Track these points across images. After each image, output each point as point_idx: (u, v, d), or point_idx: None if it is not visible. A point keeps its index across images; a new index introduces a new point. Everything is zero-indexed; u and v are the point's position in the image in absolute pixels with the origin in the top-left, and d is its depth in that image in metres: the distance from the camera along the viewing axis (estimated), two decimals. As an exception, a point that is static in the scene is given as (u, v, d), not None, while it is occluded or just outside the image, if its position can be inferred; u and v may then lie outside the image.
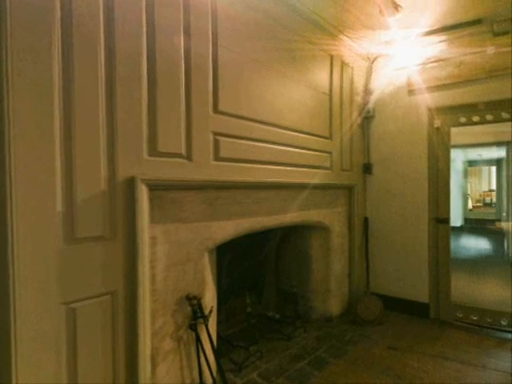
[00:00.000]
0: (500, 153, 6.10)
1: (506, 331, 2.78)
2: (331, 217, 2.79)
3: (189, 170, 1.67)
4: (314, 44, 2.54)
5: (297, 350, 2.33)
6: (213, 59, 1.79)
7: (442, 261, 3.06)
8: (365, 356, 2.32)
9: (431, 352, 2.41)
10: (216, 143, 1.82)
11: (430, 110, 3.02)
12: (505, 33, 2.67)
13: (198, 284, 1.75)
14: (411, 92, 3.09)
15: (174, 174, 1.60)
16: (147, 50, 1.51)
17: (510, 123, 3.98)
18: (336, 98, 2.80)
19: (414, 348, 2.46)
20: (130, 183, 1.43)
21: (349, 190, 3.03)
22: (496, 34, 2.70)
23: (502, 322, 2.81)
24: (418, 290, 3.09)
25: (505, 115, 2.81)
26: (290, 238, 2.75)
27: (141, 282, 1.43)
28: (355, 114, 3.10)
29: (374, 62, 3.23)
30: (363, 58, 3.18)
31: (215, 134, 1.81)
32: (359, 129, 3.18)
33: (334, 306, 2.85)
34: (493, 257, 5.68)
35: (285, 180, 2.25)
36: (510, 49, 2.66)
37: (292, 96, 2.34)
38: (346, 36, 2.84)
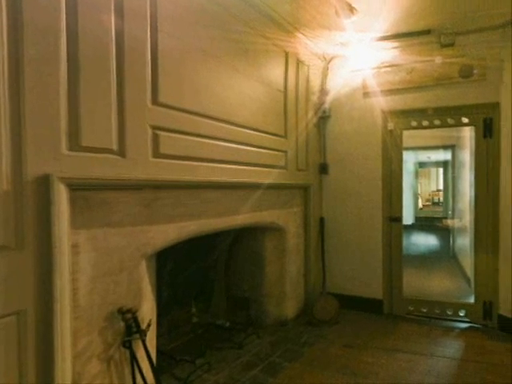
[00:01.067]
0: (446, 155, 6.53)
1: (451, 320, 2.96)
2: (286, 217, 2.72)
3: (121, 168, 1.47)
4: (267, 39, 2.44)
5: (249, 357, 2.23)
6: (152, 44, 1.61)
7: (395, 258, 3.15)
8: (321, 356, 2.31)
9: (385, 346, 2.49)
10: (155, 138, 1.64)
11: (384, 112, 3.08)
12: (450, 45, 2.86)
13: (134, 295, 1.57)
14: (366, 94, 3.14)
15: (102, 171, 1.40)
16: (67, 28, 1.29)
17: (454, 128, 4.28)
18: (291, 96, 2.74)
19: (368, 344, 2.52)
20: (44, 182, 1.21)
21: (304, 189, 2.98)
22: (443, 46, 2.87)
23: (448, 312, 3.00)
24: (373, 288, 3.16)
25: (450, 121, 2.99)
26: (243, 239, 2.64)
27: (57, 299, 1.22)
28: (311, 113, 3.07)
29: (330, 62, 3.22)
30: (319, 58, 3.16)
31: (154, 127, 1.63)
32: (315, 128, 3.16)
33: (290, 309, 2.78)
34: (440, 252, 6.05)
35: (236, 179, 2.12)
36: (454, 60, 2.86)
37: (244, 91, 2.22)
38: (302, 34, 2.79)
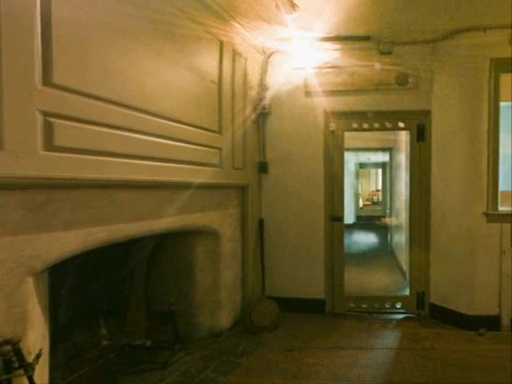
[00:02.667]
0: (385, 157, 7.00)
1: (389, 313, 3.16)
2: (221, 220, 2.57)
3: (-5, 162, 1.19)
4: (198, 24, 2.27)
5: (176, 377, 2.03)
6: (42, 10, 1.34)
7: (336, 257, 3.21)
8: (260, 364, 2.24)
9: (327, 345, 2.53)
10: (48, 127, 1.36)
11: (326, 112, 3.12)
12: (388, 53, 3.02)
13: (15, 321, 1.28)
14: (308, 93, 3.15)
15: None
16: None
17: (392, 132, 4.56)
18: (227, 89, 2.60)
19: (310, 345, 2.53)
20: None
21: (242, 189, 2.87)
22: (382, 53, 3.01)
23: (386, 306, 3.18)
24: (315, 288, 3.17)
25: (388, 125, 3.17)
26: (168, 246, 2.43)
27: None
28: (249, 108, 2.97)
29: (270, 56, 3.16)
30: (258, 51, 3.07)
31: (47, 114, 1.36)
32: (254, 125, 3.06)
33: (225, 318, 2.64)
34: (379, 249, 6.45)
35: (159, 178, 1.91)
36: (392, 67, 3.03)
37: (170, 79, 2.02)
38: (239, 23, 2.67)
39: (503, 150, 3.05)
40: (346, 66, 3.10)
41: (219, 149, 2.50)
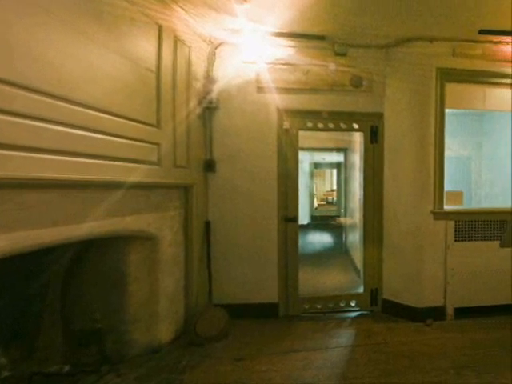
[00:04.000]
0: (339, 158, 7.22)
1: (344, 311, 3.27)
2: (160, 223, 2.38)
3: None
4: (132, 3, 2.07)
5: (104, 404, 1.83)
6: None
7: (291, 258, 3.18)
8: (206, 378, 2.14)
9: (281, 350, 2.52)
10: None
11: (279, 110, 3.09)
12: (343, 54, 3.11)
13: None
14: (260, 89, 3.09)
15: None
16: None
17: (347, 133, 4.69)
18: (167, 79, 2.42)
19: (263, 351, 2.49)
20: None
21: (185, 190, 2.70)
22: (336, 54, 3.09)
23: (341, 304, 3.29)
24: (268, 291, 3.13)
25: (343, 125, 3.28)
26: (93, 254, 2.19)
27: None
28: (194, 101, 2.81)
29: (218, 47, 3.03)
30: (205, 41, 2.93)
31: None
32: (199, 120, 2.91)
33: (165, 332, 2.46)
34: (334, 248, 6.63)
35: (80, 177, 1.69)
36: (346, 69, 3.12)
37: (95, 63, 1.80)
38: (182, 8, 2.51)
39: (448, 153, 3.27)
40: (300, 64, 3.10)
41: (157, 144, 2.31)
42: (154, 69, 2.29)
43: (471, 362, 2.41)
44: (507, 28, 2.86)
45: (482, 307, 3.22)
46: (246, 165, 3.11)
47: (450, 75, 3.11)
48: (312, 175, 8.36)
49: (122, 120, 1.98)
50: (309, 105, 3.12)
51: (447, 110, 3.16)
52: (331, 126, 3.24)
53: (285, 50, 3.04)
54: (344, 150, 6.08)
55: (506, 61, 3.19)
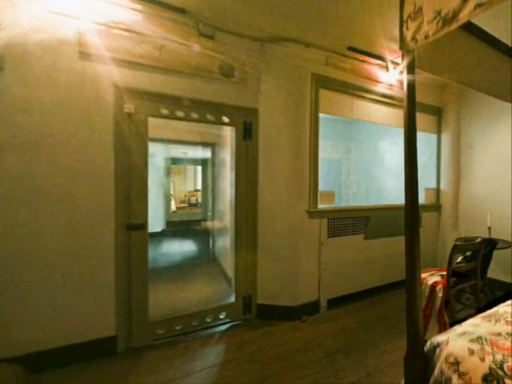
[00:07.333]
0: (206, 153, 6.66)
1: (211, 327, 3.03)
2: None
3: None
4: None
5: None
6: None
7: (136, 276, 2.67)
8: None
9: None
10: None
11: (118, 88, 2.56)
12: (210, 37, 2.86)
13: None
14: (86, 56, 2.41)
15: None
16: None
17: (215, 126, 4.15)
18: None
19: None
20: None
21: None
22: (202, 34, 2.82)
23: (208, 320, 3.04)
24: (101, 323, 2.50)
25: (210, 117, 3.01)
26: None
27: None
28: None
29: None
30: None
31: None
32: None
33: None
34: (199, 257, 6.03)
35: None
36: (215, 55, 2.88)
37: None
38: None
39: (322, 155, 3.54)
40: (151, 36, 2.60)
41: None
42: None
43: (341, 346, 2.70)
44: (370, 50, 3.32)
45: (351, 295, 3.66)
46: (58, 156, 2.36)
47: (324, 82, 3.38)
48: (169, 172, 7.50)
49: None
50: (163, 87, 2.71)
51: (321, 115, 3.39)
52: (195, 116, 2.93)
53: (128, 12, 2.51)
54: (211, 145, 5.65)
55: (369, 78, 3.68)
